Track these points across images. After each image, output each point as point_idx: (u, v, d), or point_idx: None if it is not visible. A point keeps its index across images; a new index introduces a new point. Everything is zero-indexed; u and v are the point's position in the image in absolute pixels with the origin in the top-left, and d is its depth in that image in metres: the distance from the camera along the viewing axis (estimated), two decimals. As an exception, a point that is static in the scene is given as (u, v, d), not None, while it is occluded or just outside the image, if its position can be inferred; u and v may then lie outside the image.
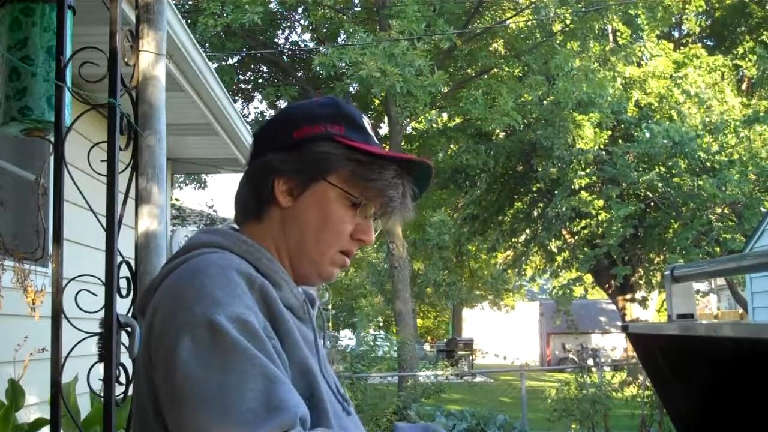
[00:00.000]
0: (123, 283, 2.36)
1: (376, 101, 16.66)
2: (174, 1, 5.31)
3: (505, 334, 31.70)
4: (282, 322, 1.07)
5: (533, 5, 14.87)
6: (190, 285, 1.02)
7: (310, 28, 17.07)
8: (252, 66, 17.54)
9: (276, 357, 1.01)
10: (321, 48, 14.14)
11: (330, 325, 23.74)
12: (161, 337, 1.00)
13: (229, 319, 0.98)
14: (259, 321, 1.02)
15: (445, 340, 28.48)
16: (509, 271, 23.26)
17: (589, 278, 19.76)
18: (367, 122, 1.21)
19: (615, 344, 18.43)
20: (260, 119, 17.22)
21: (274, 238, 1.17)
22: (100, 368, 2.23)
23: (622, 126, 16.19)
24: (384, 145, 16.29)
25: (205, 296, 1.00)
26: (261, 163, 1.18)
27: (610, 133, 15.90)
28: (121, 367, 2.25)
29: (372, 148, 1.17)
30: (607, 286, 18.25)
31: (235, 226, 1.23)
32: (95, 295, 2.32)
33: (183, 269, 1.07)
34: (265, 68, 17.76)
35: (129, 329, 2.26)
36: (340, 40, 15.49)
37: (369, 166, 1.15)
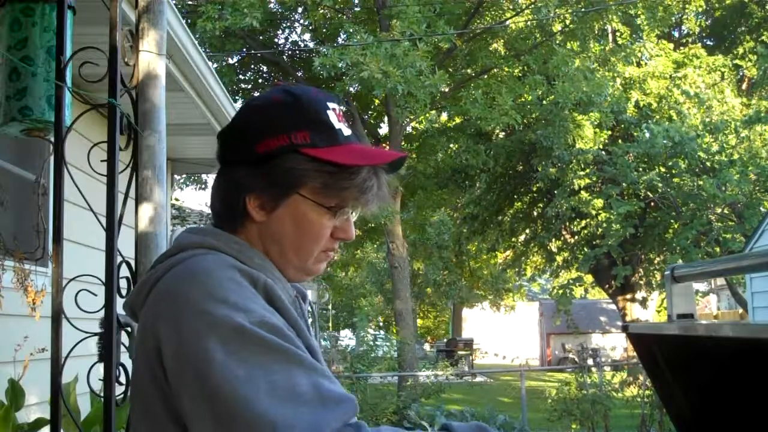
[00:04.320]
0: (123, 283, 2.36)
1: (376, 101, 16.67)
2: (174, 2, 5.31)
3: (505, 334, 31.71)
4: (290, 318, 1.07)
5: (533, 5, 14.85)
6: (195, 288, 1.00)
7: (310, 28, 17.07)
8: (252, 66, 17.54)
9: (305, 349, 1.01)
10: (321, 48, 14.13)
11: (330, 325, 23.72)
12: (180, 343, 0.97)
13: (253, 323, 0.97)
14: (278, 319, 1.02)
15: (445, 340, 28.50)
16: (509, 271, 23.26)
17: (589, 278, 19.75)
18: (332, 113, 1.14)
19: (615, 344, 18.43)
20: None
21: (253, 246, 1.15)
22: (100, 368, 2.23)
23: (622, 126, 16.19)
24: (384, 144, 16.35)
25: (217, 299, 0.98)
26: (229, 178, 1.14)
27: (610, 133, 15.89)
28: (121, 367, 2.25)
29: (340, 156, 1.10)
30: (607, 286, 18.23)
31: None
32: (95, 295, 2.32)
33: (180, 271, 1.05)
34: (265, 68, 17.76)
35: (129, 329, 2.26)
36: (340, 40, 15.48)
37: (340, 175, 1.11)
